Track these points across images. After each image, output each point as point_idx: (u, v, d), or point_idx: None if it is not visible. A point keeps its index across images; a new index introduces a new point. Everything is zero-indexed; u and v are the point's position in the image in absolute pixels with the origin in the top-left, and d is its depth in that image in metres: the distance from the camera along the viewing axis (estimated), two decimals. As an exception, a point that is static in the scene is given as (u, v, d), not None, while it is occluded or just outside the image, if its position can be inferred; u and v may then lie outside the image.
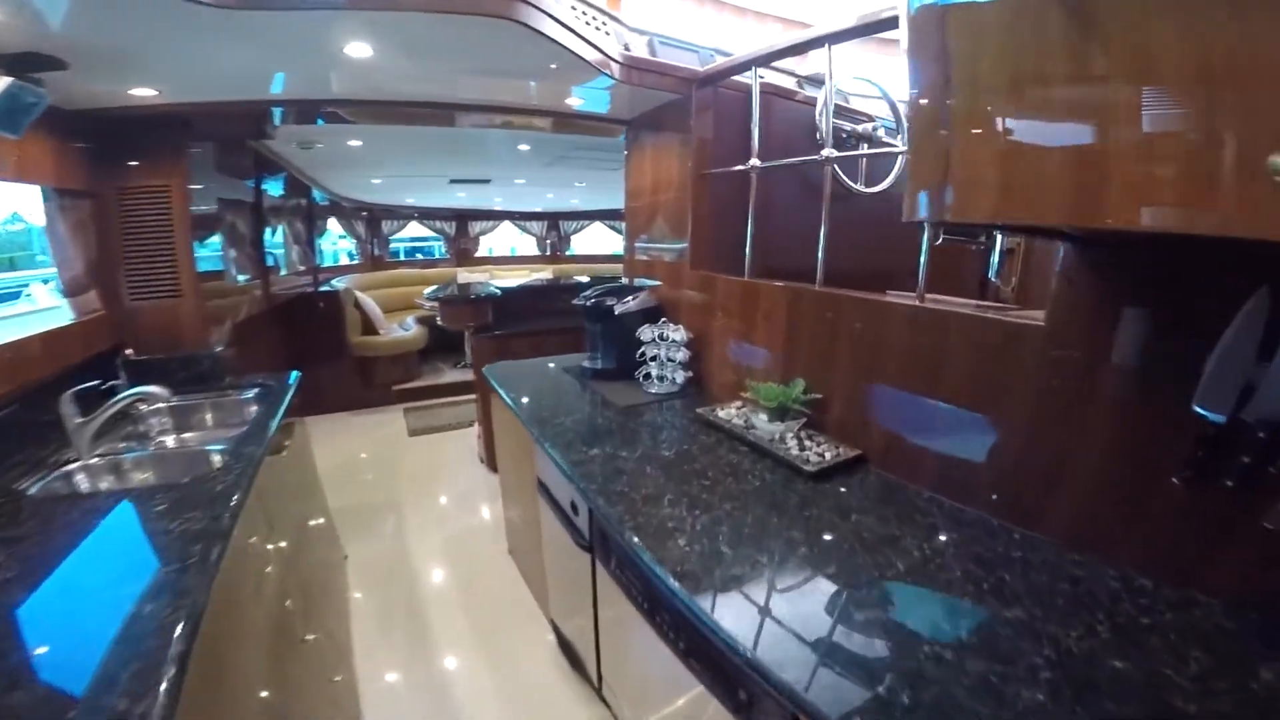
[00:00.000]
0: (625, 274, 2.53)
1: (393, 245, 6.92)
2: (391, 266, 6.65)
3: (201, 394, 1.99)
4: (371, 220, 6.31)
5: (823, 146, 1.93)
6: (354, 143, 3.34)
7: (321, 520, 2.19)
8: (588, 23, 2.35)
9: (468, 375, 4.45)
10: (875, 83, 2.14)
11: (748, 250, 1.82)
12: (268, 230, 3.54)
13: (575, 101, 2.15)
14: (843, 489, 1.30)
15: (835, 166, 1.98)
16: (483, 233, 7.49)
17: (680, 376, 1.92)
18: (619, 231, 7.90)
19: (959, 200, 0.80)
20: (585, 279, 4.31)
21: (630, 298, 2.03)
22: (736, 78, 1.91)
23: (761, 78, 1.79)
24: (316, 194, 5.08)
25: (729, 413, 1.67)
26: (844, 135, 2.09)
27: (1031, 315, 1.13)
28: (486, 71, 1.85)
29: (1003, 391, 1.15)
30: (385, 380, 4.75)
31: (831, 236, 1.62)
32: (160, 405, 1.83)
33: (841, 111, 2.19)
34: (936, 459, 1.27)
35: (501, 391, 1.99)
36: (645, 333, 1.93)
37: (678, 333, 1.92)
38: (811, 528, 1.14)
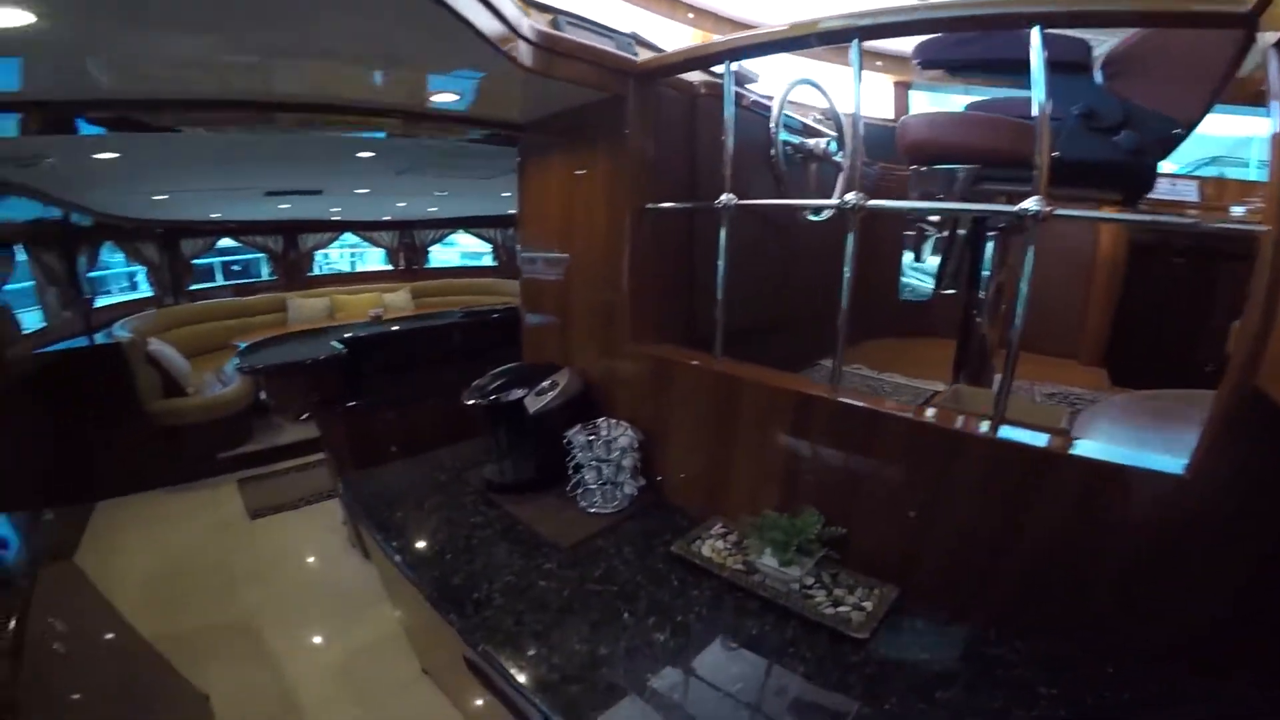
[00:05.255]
0: (522, 305, 1.87)
1: (201, 259, 5.58)
2: (199, 295, 5.37)
3: None
4: (167, 242, 5.00)
5: (775, 164, 1.65)
6: (104, 156, 2.38)
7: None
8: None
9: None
10: (820, 87, 1.65)
11: (719, 318, 1.32)
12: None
13: (445, 97, 1.42)
14: (901, 653, 0.97)
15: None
16: (317, 246, 6.40)
17: (631, 486, 1.41)
18: (487, 240, 7.21)
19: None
20: (457, 312, 3.37)
21: (545, 383, 1.47)
22: (683, 76, 1.44)
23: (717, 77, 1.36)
24: (77, 214, 3.89)
25: (715, 547, 1.24)
26: (798, 156, 1.87)
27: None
28: (314, 53, 1.11)
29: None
30: (204, 449, 3.61)
31: (787, 277, 1.32)
32: None
33: (791, 123, 1.76)
34: (1011, 584, 0.99)
35: (379, 540, 1.37)
36: (577, 438, 1.40)
37: (624, 435, 1.41)
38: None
